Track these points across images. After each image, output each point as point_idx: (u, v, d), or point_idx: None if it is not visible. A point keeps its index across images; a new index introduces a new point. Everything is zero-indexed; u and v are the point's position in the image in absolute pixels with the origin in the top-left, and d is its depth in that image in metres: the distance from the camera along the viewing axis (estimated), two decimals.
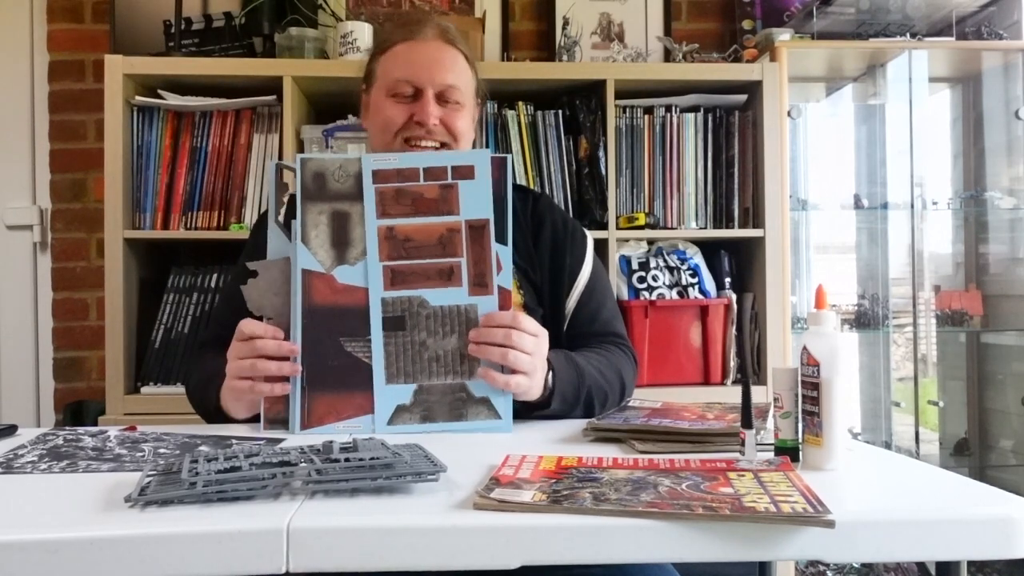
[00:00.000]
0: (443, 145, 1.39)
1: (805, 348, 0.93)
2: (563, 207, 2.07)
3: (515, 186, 1.54)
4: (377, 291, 1.16)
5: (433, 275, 1.17)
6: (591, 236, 1.50)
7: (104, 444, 1.05)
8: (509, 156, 1.23)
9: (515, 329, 1.15)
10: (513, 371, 1.15)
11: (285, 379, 1.14)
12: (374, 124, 1.43)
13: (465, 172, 1.18)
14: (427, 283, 1.17)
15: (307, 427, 1.14)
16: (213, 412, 1.25)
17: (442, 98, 1.39)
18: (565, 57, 2.31)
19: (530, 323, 1.18)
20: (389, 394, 1.15)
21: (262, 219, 1.47)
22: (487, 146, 2.10)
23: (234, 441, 1.07)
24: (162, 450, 1.01)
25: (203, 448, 1.02)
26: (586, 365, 1.29)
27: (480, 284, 1.17)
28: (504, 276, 1.18)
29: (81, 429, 1.14)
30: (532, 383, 1.18)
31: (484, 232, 1.17)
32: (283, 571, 0.71)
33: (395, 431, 1.13)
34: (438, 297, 1.16)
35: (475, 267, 1.17)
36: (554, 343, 1.33)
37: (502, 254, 1.18)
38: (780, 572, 2.01)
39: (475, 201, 1.17)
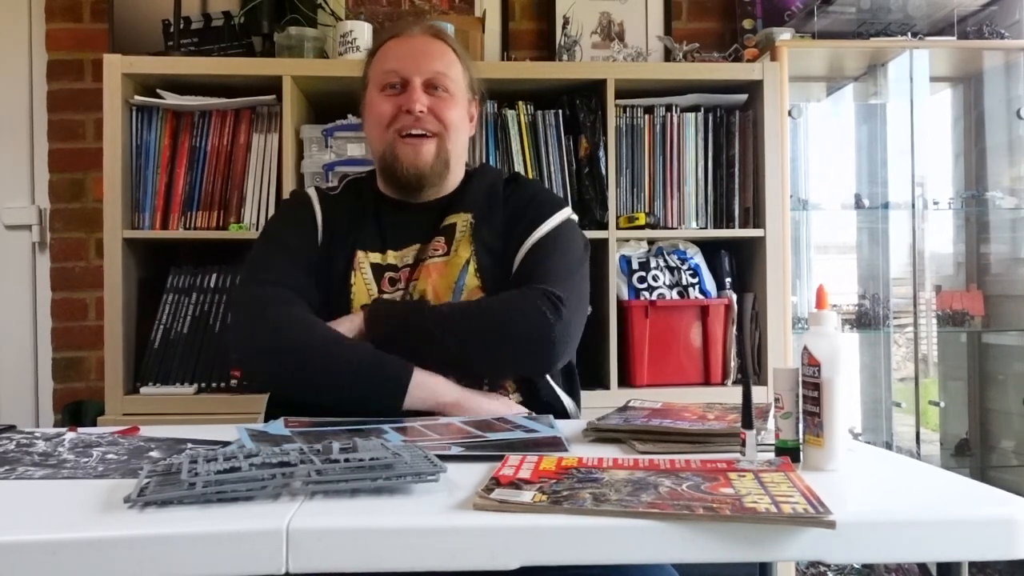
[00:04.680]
0: (434, 134, 1.41)
1: (806, 348, 0.93)
2: None
3: (505, 179, 1.52)
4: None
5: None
6: (575, 217, 1.48)
7: (55, 449, 1.03)
8: None
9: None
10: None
11: None
12: (368, 121, 1.47)
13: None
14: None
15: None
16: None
17: (430, 86, 1.41)
18: (565, 57, 2.30)
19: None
20: None
21: (303, 196, 1.49)
22: (487, 146, 2.09)
23: (189, 444, 1.04)
24: (110, 456, 0.99)
25: (153, 453, 1.00)
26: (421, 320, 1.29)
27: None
28: None
29: (53, 432, 1.13)
30: (496, 402, 1.28)
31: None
32: (283, 572, 0.71)
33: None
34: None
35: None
36: None
37: None
38: (781, 573, 2.01)
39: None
